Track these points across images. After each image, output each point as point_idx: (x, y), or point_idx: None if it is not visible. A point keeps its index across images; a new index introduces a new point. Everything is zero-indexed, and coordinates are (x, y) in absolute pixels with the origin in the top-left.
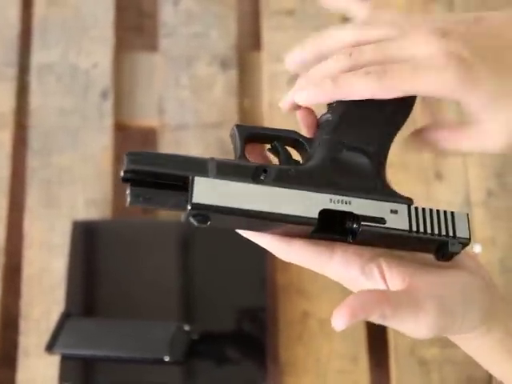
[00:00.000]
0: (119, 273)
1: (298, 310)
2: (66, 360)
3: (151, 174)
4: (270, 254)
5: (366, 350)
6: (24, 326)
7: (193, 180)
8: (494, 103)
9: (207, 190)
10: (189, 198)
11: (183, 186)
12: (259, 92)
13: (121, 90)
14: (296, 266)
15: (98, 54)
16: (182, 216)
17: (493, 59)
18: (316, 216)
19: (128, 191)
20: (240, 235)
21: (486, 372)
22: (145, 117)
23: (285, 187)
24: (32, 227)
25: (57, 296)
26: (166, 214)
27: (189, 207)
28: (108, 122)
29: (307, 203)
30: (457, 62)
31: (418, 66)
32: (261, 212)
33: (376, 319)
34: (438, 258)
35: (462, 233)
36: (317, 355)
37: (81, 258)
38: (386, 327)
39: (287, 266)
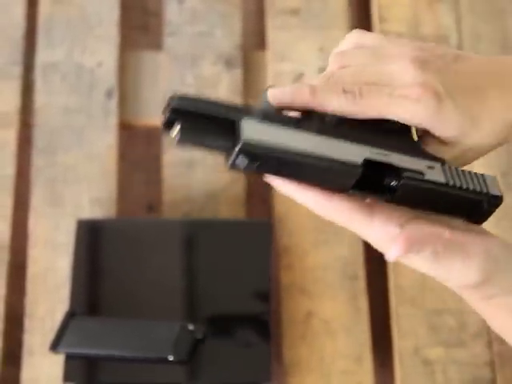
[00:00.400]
0: (123, 272)
1: (302, 309)
2: (70, 359)
3: (198, 115)
4: (274, 253)
5: (370, 350)
6: (28, 324)
7: (241, 121)
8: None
9: (255, 130)
10: (239, 135)
11: (230, 129)
12: (263, 91)
13: (125, 88)
14: (299, 265)
15: (103, 53)
16: (229, 160)
17: (461, 99)
18: (360, 162)
19: (177, 129)
20: (242, 236)
21: (491, 372)
22: (150, 116)
23: (327, 136)
24: (37, 226)
25: (61, 295)
26: (170, 214)
27: (239, 145)
28: (113, 120)
29: (349, 152)
30: (431, 95)
31: (393, 93)
32: (308, 152)
33: (427, 256)
34: (472, 219)
35: (494, 191)
36: (321, 355)
37: (85, 257)
38: (390, 327)
39: (291, 265)
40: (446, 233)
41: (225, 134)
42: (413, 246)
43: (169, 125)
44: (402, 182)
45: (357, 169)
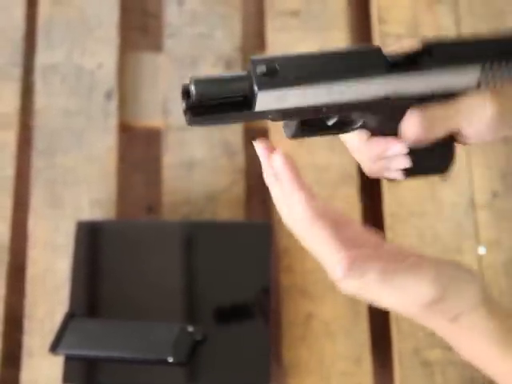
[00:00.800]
0: (123, 273)
1: (302, 311)
2: (69, 360)
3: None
4: (274, 255)
5: (369, 351)
6: (28, 325)
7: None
8: None
9: None
10: (251, 69)
11: (243, 79)
12: None
13: (125, 90)
14: (299, 266)
15: (103, 55)
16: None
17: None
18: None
19: (192, 87)
20: (242, 237)
21: None
22: (149, 117)
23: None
24: (36, 227)
25: (61, 296)
26: (169, 215)
27: (252, 63)
28: (112, 122)
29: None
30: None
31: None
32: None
33: (376, 276)
34: None
35: None
36: (320, 357)
37: (85, 259)
38: (389, 329)
39: (291, 267)
40: (394, 251)
41: (238, 80)
42: (354, 263)
43: (187, 103)
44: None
45: (381, 52)
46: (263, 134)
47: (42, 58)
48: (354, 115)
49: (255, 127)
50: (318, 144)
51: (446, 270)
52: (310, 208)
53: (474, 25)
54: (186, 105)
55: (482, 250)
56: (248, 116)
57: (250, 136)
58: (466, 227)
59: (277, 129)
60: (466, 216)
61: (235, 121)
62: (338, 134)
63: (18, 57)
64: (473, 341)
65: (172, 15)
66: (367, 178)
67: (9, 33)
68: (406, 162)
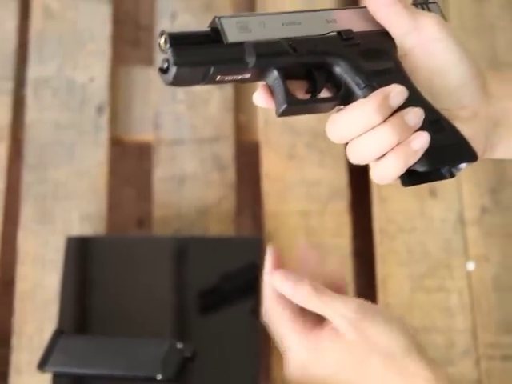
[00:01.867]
0: (113, 289)
1: None
2: (57, 378)
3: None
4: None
5: None
6: (16, 342)
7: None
8: None
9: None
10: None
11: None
12: (255, 108)
13: (117, 104)
14: None
15: (95, 68)
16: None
17: None
18: None
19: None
20: (232, 252)
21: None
22: (140, 131)
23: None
24: (26, 242)
25: (50, 312)
26: (160, 230)
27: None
28: (104, 136)
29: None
30: None
31: None
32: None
33: (308, 292)
34: None
35: None
36: None
37: (74, 274)
38: None
39: None
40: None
41: (207, 33)
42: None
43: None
44: None
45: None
46: (254, 148)
47: (33, 72)
48: (328, 60)
49: (246, 141)
50: (308, 159)
51: (366, 302)
52: (269, 299)
53: (464, 40)
54: (168, 44)
55: (470, 266)
56: (226, 53)
57: (241, 150)
58: (455, 243)
59: (268, 144)
60: (455, 232)
61: (218, 63)
62: (326, 100)
63: (9, 70)
64: None
65: (164, 28)
66: (357, 193)
67: (0, 46)
68: (425, 135)
